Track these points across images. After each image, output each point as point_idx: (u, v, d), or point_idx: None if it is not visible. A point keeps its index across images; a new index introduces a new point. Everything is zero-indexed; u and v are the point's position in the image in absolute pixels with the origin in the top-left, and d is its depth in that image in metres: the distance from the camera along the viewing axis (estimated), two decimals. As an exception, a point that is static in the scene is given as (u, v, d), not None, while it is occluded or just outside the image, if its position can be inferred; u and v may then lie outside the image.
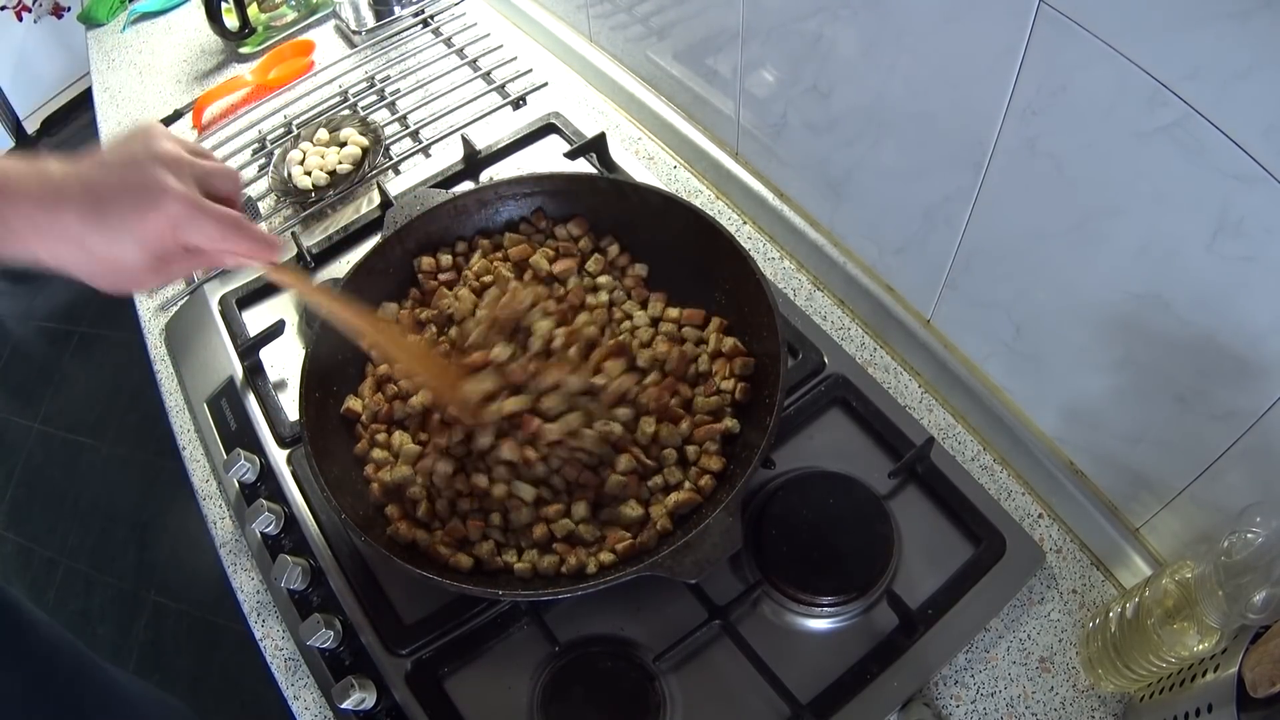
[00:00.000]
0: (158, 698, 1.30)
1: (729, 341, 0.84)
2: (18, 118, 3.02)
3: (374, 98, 1.27)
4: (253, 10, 1.41)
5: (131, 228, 0.56)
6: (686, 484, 0.78)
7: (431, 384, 0.79)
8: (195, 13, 1.48)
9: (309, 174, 1.14)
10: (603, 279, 0.90)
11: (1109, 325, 0.70)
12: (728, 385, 0.82)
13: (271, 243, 0.63)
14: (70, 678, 1.07)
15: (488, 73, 1.27)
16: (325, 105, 1.27)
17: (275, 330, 0.97)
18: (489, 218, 0.95)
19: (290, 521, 0.86)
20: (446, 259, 0.93)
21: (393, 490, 0.79)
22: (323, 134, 1.18)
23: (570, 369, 0.79)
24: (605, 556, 0.74)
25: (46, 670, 1.03)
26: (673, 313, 0.88)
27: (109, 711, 1.13)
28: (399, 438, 0.82)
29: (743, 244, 0.85)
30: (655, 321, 0.88)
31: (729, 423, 0.80)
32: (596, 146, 1.09)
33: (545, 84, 1.24)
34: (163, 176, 0.57)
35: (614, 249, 0.93)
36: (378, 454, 0.82)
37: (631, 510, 0.76)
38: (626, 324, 0.87)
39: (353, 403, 0.85)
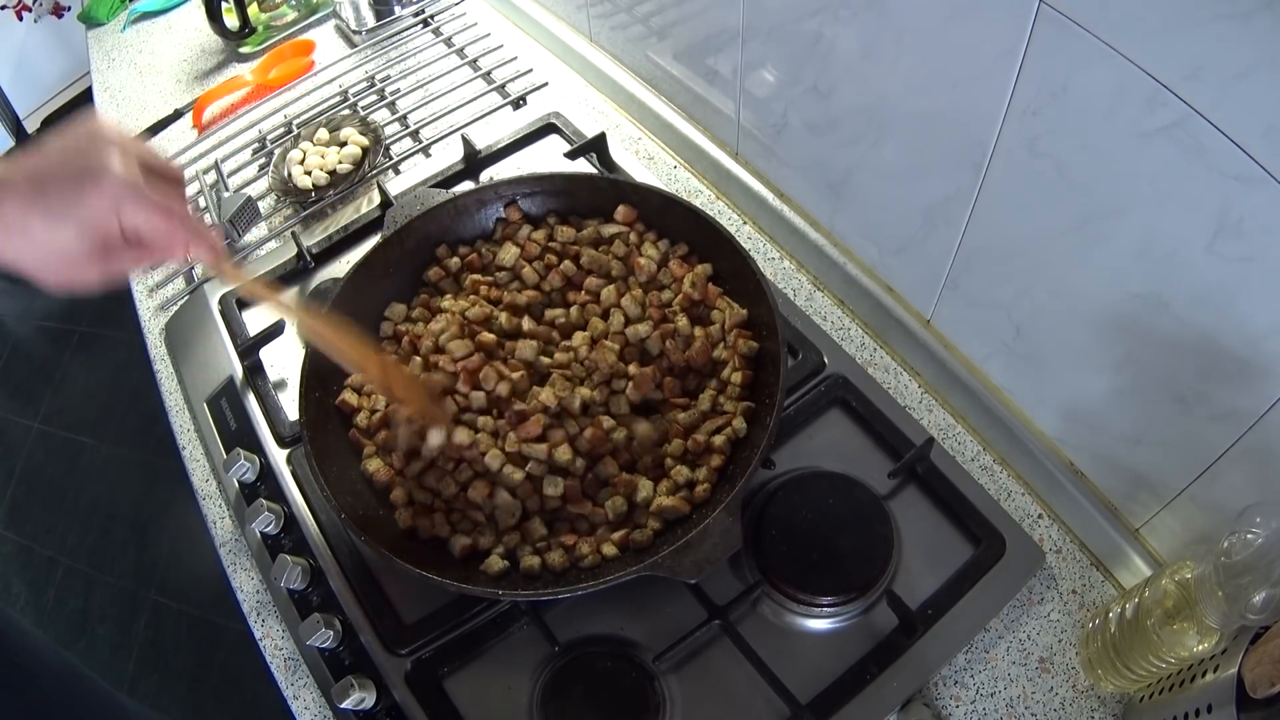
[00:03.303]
0: None
1: (735, 335, 0.84)
2: (18, 117, 3.02)
3: (374, 97, 1.27)
4: (253, 10, 1.41)
5: (72, 209, 0.55)
6: (685, 489, 0.77)
7: (422, 409, 0.79)
8: (195, 12, 1.48)
9: (309, 174, 1.14)
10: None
11: (1109, 325, 0.70)
12: (736, 379, 0.81)
13: (214, 240, 0.62)
14: (72, 707, 1.06)
15: (488, 73, 1.27)
16: (325, 105, 1.27)
17: (275, 330, 0.97)
18: (489, 218, 0.95)
19: (290, 521, 0.86)
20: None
21: (397, 477, 0.80)
22: (323, 134, 1.18)
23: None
24: (607, 549, 0.74)
25: (46, 699, 1.02)
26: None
27: None
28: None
29: (743, 244, 0.85)
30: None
31: (737, 423, 0.79)
32: (596, 146, 1.09)
33: (545, 84, 1.24)
34: (105, 158, 0.56)
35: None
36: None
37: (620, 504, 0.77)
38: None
39: (349, 395, 0.85)
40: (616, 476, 0.78)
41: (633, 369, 0.82)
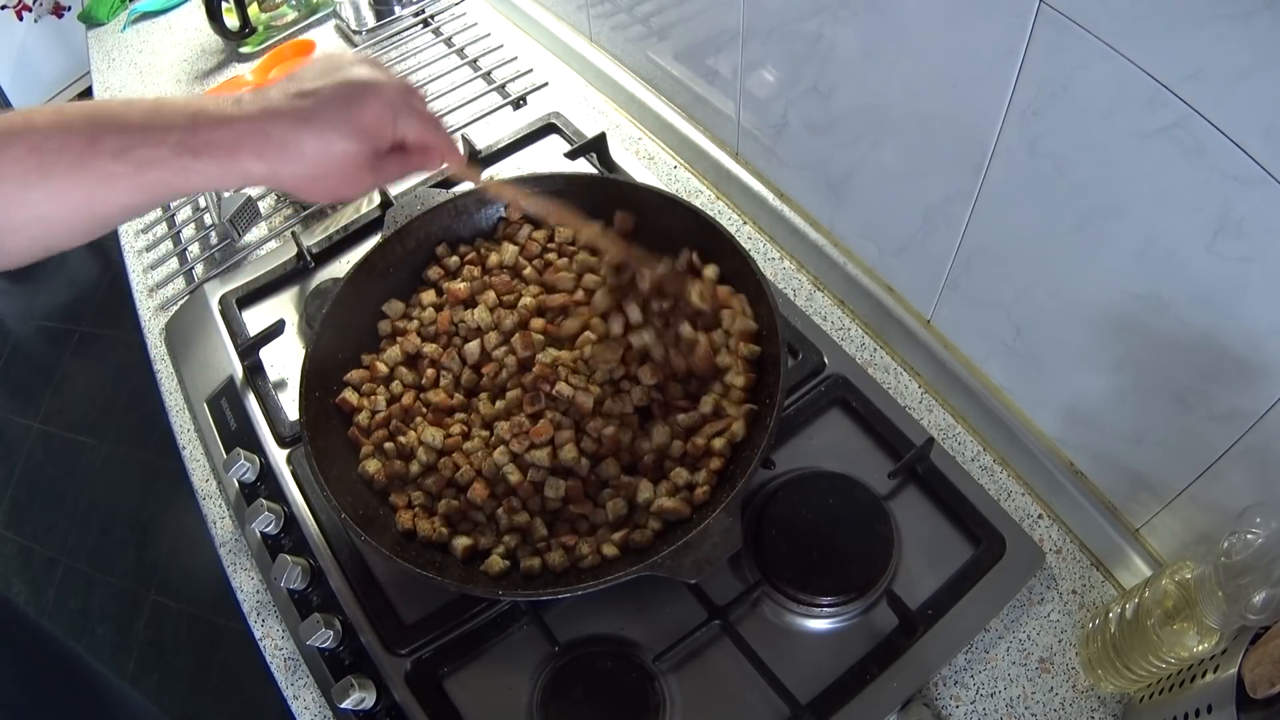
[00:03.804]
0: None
1: (738, 339, 0.83)
2: (18, 117, 3.02)
3: (374, 97, 1.27)
4: (253, 10, 1.41)
5: (353, 120, 0.57)
6: (685, 490, 0.77)
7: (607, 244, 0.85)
8: (196, 12, 1.48)
9: (309, 174, 1.14)
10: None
11: (1109, 326, 0.70)
12: (739, 382, 0.81)
13: (461, 148, 0.68)
14: (77, 693, 1.07)
15: (488, 73, 1.27)
16: (325, 105, 1.26)
17: (275, 330, 0.97)
18: (489, 218, 0.95)
19: (290, 521, 0.86)
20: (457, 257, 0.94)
21: (396, 479, 0.80)
22: (323, 134, 1.18)
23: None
24: (608, 549, 0.74)
25: (52, 685, 1.02)
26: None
27: None
28: (430, 432, 0.81)
29: (743, 244, 0.85)
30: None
31: (737, 427, 0.79)
32: (597, 146, 1.09)
33: (545, 84, 1.24)
34: (374, 73, 0.59)
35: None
36: (389, 449, 0.82)
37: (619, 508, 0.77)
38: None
39: (349, 395, 0.85)
40: (617, 478, 0.78)
41: (633, 368, 0.82)
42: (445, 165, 0.66)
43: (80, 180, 0.51)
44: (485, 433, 0.81)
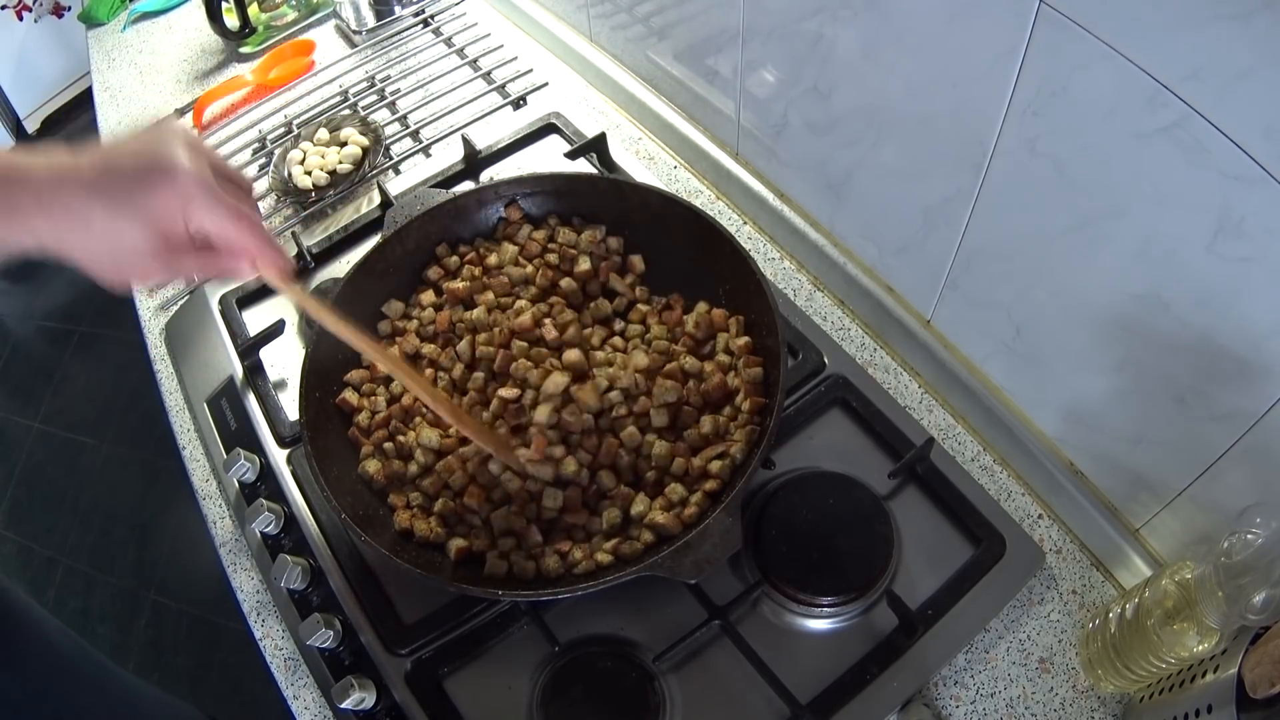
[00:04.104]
0: (177, 708, 1.30)
1: (742, 341, 0.83)
2: (18, 117, 3.02)
3: (374, 97, 1.27)
4: (253, 10, 1.41)
5: (140, 203, 0.53)
6: (679, 506, 0.77)
7: (447, 414, 0.77)
8: (196, 12, 1.48)
9: (309, 174, 1.14)
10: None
11: (1109, 326, 0.70)
12: (746, 406, 0.80)
13: (281, 250, 0.61)
14: (78, 685, 1.07)
15: (488, 73, 1.27)
16: (325, 105, 1.27)
17: (275, 330, 0.97)
18: (489, 218, 0.95)
19: (290, 521, 0.86)
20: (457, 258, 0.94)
21: (395, 479, 0.80)
22: (323, 134, 1.18)
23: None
24: (601, 557, 0.74)
25: (51, 678, 1.02)
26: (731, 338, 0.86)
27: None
28: (428, 433, 0.81)
29: (743, 244, 0.85)
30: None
31: (735, 450, 0.77)
32: (597, 146, 1.09)
33: (545, 84, 1.24)
34: (178, 155, 0.54)
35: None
36: (388, 449, 0.82)
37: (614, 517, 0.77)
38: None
39: (349, 395, 0.85)
40: (614, 489, 0.78)
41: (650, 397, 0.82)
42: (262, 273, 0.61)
43: None
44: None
